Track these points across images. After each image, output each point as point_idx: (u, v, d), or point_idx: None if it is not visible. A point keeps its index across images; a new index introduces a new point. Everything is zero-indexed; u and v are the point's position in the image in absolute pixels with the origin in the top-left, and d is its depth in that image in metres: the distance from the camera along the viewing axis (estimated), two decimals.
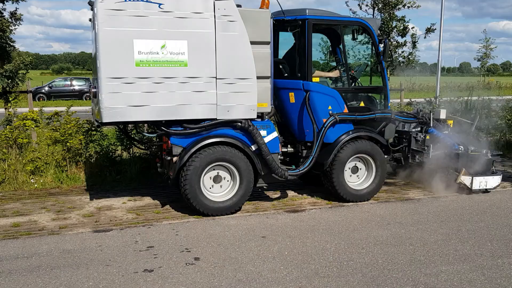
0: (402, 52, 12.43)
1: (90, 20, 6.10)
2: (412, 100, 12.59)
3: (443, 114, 7.35)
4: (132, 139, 7.42)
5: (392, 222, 5.79)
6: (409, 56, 12.48)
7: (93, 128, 8.03)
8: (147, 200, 6.68)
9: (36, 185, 7.31)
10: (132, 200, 6.64)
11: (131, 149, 8.27)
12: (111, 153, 8.14)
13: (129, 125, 6.87)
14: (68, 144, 7.64)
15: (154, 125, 5.88)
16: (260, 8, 6.00)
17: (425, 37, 12.56)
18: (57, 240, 5.09)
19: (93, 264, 4.48)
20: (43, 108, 9.56)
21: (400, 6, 12.76)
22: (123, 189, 7.25)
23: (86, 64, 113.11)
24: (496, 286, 4.07)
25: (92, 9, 5.33)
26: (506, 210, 6.29)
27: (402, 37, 12.23)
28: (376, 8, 13.27)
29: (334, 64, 7.50)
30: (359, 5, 13.71)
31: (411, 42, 12.55)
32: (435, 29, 12.09)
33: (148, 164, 8.01)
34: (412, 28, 12.22)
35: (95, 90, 5.41)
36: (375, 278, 4.20)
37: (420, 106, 10.11)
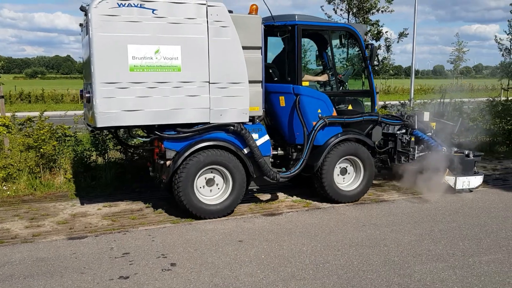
0: (377, 55, 12.65)
1: (80, 25, 6.15)
2: (387, 102, 12.82)
3: (426, 117, 7.56)
4: (123, 144, 7.41)
5: (367, 223, 5.87)
6: (383, 60, 12.72)
7: (66, 134, 7.92)
8: (123, 206, 6.61)
9: (8, 192, 7.16)
10: (108, 206, 6.57)
11: (106, 154, 8.18)
12: (85, 159, 8.04)
13: (121, 129, 6.82)
14: (41, 150, 7.51)
15: (147, 129, 5.91)
16: (248, 14, 6.11)
17: (398, 42, 12.80)
18: (31, 248, 5.00)
19: (68, 272, 4.42)
20: (16, 113, 9.37)
21: (374, 10, 13.01)
22: (98, 195, 7.16)
23: (60, 67, 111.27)
24: (467, 285, 4.17)
25: (85, 15, 5.35)
26: (477, 210, 6.45)
27: (376, 41, 12.45)
28: (350, 13, 13.47)
29: (321, 68, 7.59)
30: (334, 9, 13.89)
31: (385, 46, 12.79)
32: (408, 33, 12.33)
33: (124, 169, 7.95)
34: (386, 32, 12.46)
35: (88, 95, 5.41)
36: (350, 280, 4.26)
37: (394, 108, 10.30)
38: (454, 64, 49.54)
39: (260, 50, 6.09)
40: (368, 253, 4.88)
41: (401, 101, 12.36)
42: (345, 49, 7.47)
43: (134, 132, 6.46)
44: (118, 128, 6.10)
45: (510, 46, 15.61)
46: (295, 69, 6.49)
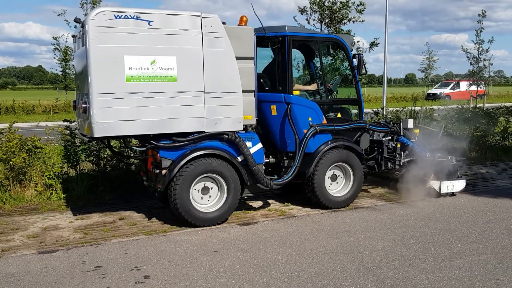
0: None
1: (73, 36, 6.26)
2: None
3: (410, 124, 7.77)
4: (116, 154, 7.42)
5: (342, 230, 5.93)
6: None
7: (36, 145, 7.76)
8: (95, 218, 6.50)
9: None
10: (80, 219, 6.44)
11: (78, 166, 8.04)
12: (57, 171, 7.88)
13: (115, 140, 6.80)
14: (11, 162, 7.33)
15: (142, 139, 5.94)
16: (238, 25, 6.26)
17: (369, 51, 13.04)
18: None
19: (38, 287, 4.31)
20: None
21: (345, 20, 13.25)
22: (70, 207, 7.02)
23: (31, 78, 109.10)
24: None
25: (82, 26, 5.38)
26: (448, 215, 6.59)
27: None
28: (323, 23, 13.69)
29: (309, 78, 7.79)
30: (307, 19, 14.08)
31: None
32: (379, 43, 12.57)
33: (96, 181, 7.82)
34: (357, 41, 12.67)
35: (85, 105, 5.45)
36: (324, 287, 4.28)
37: (368, 117, 10.46)
38: (425, 72, 50.70)
39: (252, 60, 6.26)
40: (342, 260, 4.92)
41: (374, 109, 12.57)
42: (333, 59, 7.70)
43: (128, 142, 6.45)
44: (114, 138, 6.10)
45: (478, 55, 16.13)
46: (286, 78, 6.65)
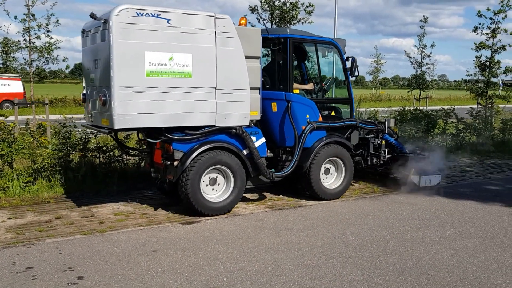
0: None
1: (83, 31, 6.53)
2: None
3: (392, 123, 8.45)
4: (124, 147, 7.54)
5: (284, 228, 5.97)
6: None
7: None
8: (30, 217, 6.21)
9: None
10: (13, 218, 6.13)
11: (12, 163, 7.65)
12: None
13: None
14: None
15: (152, 132, 6.16)
16: (238, 25, 6.56)
17: None
18: None
19: None
20: None
21: (294, 21, 13.43)
22: (2, 206, 6.66)
23: None
24: (373, 285, 4.36)
25: (104, 22, 5.57)
26: (387, 213, 6.80)
27: None
28: (273, 22, 13.80)
29: (306, 77, 8.22)
30: (257, 18, 14.15)
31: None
32: None
33: (34, 178, 7.47)
34: None
35: (105, 98, 5.64)
36: (263, 285, 4.30)
37: None
38: (373, 75, 52.21)
39: (259, 60, 6.64)
40: (283, 258, 4.95)
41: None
42: (327, 60, 8.10)
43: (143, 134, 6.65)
44: (132, 130, 6.28)
45: (421, 59, 16.75)
46: (287, 77, 7.11)
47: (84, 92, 6.64)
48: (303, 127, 7.09)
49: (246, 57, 6.33)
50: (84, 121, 6.86)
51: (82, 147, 8.16)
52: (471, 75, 14.43)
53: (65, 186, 7.54)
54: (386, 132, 8.17)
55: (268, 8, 14.84)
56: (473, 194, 8.01)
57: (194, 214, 6.30)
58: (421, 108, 16.76)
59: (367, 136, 8.08)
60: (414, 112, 12.44)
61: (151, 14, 5.62)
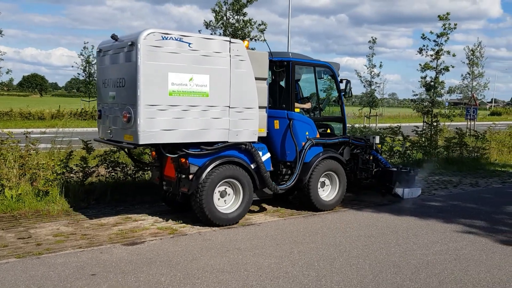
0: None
1: (100, 51, 6.91)
2: None
3: (377, 140, 8.97)
4: (136, 161, 8.02)
5: (231, 248, 5.87)
6: None
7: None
8: None
9: None
10: None
11: None
12: None
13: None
14: None
15: (171, 147, 6.43)
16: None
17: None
18: None
19: None
20: None
21: (248, 38, 13.56)
22: None
23: None
24: None
25: (131, 45, 5.95)
26: (334, 230, 6.84)
27: None
28: None
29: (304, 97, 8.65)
30: (211, 34, 14.17)
31: None
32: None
33: None
34: None
35: (130, 115, 5.99)
36: None
37: None
38: (326, 92, 53.63)
39: (266, 81, 7.22)
40: (228, 279, 4.84)
41: None
42: (323, 82, 8.79)
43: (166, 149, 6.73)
44: (155, 145, 6.48)
45: (370, 78, 17.31)
46: (289, 97, 7.73)
47: (100, 108, 6.98)
48: (303, 143, 7.66)
49: (256, 79, 6.84)
50: (98, 136, 7.19)
51: (22, 163, 7.76)
52: (417, 94, 15.02)
53: (1, 205, 7.11)
54: (374, 148, 8.72)
55: (221, 25, 14.93)
56: (418, 210, 8.22)
57: (207, 224, 6.68)
58: (371, 125, 17.22)
59: (357, 152, 8.63)
60: (363, 129, 12.74)
61: (175, 38, 6.06)
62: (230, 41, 6.55)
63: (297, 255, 5.69)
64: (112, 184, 8.48)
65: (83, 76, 34.05)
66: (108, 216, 7.15)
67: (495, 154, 15.17)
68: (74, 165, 8.50)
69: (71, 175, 8.28)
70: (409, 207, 8.42)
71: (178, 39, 6.10)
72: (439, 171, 12.59)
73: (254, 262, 5.39)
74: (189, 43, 6.18)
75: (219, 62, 6.47)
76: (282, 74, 7.82)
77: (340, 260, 5.53)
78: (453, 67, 14.59)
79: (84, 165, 8.41)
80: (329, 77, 8.61)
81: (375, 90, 18.49)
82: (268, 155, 7.31)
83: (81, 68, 33.65)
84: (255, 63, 6.88)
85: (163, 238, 6.22)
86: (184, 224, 6.87)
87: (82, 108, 31.70)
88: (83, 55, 33.31)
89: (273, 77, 7.98)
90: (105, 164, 8.69)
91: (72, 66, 34.67)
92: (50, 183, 7.64)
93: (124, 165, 8.83)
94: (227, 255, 5.60)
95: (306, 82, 8.62)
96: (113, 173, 8.72)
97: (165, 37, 5.99)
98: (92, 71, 33.31)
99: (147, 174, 8.94)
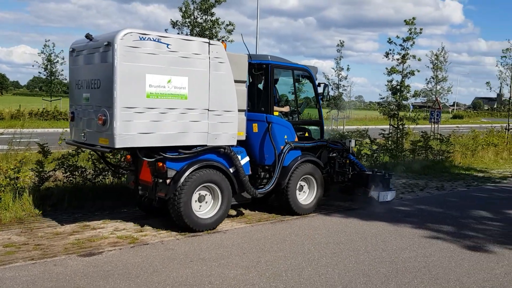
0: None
1: (73, 50, 6.60)
2: None
3: (353, 143, 9.02)
4: (110, 165, 7.67)
5: (196, 258, 5.59)
6: None
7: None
8: None
9: None
10: None
11: None
12: None
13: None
14: None
15: (148, 151, 6.20)
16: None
17: None
18: None
19: None
20: None
21: (215, 39, 13.28)
22: None
23: None
24: None
25: (107, 45, 5.67)
26: (303, 237, 6.65)
27: None
28: None
29: (282, 100, 8.65)
30: (178, 33, 13.85)
31: None
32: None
33: None
34: None
35: (105, 118, 5.74)
36: None
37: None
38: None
39: (245, 84, 7.09)
40: None
41: None
42: (301, 85, 8.64)
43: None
44: (131, 149, 6.25)
45: (338, 81, 17.34)
46: (268, 100, 7.63)
47: (73, 110, 6.67)
48: (282, 147, 7.58)
49: (235, 81, 6.69)
50: (69, 139, 6.89)
51: None
52: (383, 98, 15.11)
53: None
54: (350, 152, 8.71)
55: (188, 24, 14.62)
56: (386, 215, 8.14)
57: (185, 230, 6.50)
58: (339, 128, 17.26)
59: (334, 155, 8.57)
60: (331, 132, 12.68)
61: (153, 38, 5.86)
62: (209, 43, 6.40)
63: (264, 265, 5.47)
64: (70, 189, 8.05)
65: (44, 75, 32.90)
66: (64, 224, 6.74)
67: (459, 157, 15.42)
68: (29, 169, 8.01)
69: (26, 179, 7.78)
70: (378, 212, 8.34)
71: (156, 40, 5.91)
72: (405, 174, 12.67)
73: (219, 273, 5.13)
74: (168, 44, 5.99)
75: (198, 64, 6.30)
76: (261, 77, 7.75)
77: (309, 270, 5.34)
78: (418, 71, 14.78)
79: (40, 169, 7.94)
80: (307, 81, 8.52)
81: (343, 93, 18.54)
82: (247, 158, 7.23)
83: (42, 67, 32.55)
84: (234, 65, 6.73)
85: (123, 248, 5.88)
86: (146, 232, 6.54)
87: (44, 108, 30.59)
88: (44, 53, 32.22)
89: (252, 80, 7.85)
90: (63, 168, 8.24)
91: (33, 66, 33.45)
92: (3, 188, 7.15)
93: (83, 169, 8.41)
94: (190, 266, 5.32)
95: (285, 85, 8.59)
96: (71, 178, 8.28)
97: (142, 37, 5.79)
98: (53, 70, 32.23)
99: (107, 178, 8.54)
